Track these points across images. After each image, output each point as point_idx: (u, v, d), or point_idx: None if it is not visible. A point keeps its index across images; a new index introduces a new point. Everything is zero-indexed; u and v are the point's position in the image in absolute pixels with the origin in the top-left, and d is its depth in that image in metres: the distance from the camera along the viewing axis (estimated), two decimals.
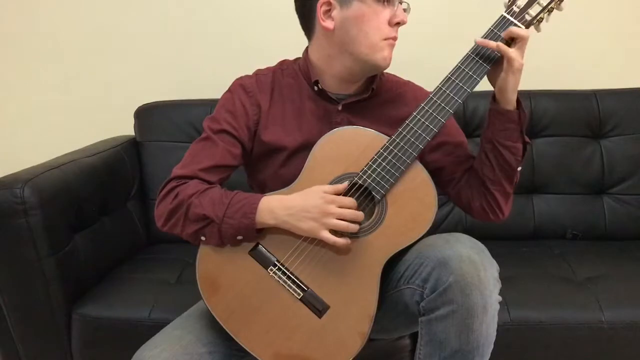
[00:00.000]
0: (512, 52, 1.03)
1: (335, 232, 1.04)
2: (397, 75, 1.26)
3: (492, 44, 1.05)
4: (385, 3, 1.09)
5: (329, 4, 1.09)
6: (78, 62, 2.01)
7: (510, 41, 1.06)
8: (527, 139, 1.12)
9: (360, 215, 1.05)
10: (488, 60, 1.06)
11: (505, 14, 1.08)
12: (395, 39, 1.12)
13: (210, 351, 1.08)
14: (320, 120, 1.17)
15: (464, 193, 1.19)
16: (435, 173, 1.19)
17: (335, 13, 1.09)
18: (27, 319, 1.39)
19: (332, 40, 1.12)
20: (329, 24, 1.10)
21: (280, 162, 1.17)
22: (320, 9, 1.10)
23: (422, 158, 1.18)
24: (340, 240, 1.03)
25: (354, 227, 1.04)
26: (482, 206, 1.17)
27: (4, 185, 1.32)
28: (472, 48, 1.08)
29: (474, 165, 1.17)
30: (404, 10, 1.11)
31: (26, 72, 2.03)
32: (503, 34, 1.06)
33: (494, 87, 1.11)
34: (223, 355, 1.10)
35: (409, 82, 1.26)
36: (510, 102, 1.09)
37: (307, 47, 1.20)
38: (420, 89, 1.25)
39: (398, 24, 1.11)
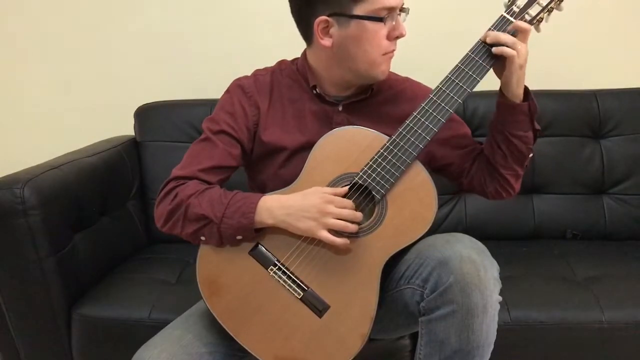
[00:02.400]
0: (514, 52, 1.03)
1: (334, 232, 1.04)
2: (398, 72, 1.25)
3: (498, 39, 1.04)
4: (385, 19, 1.07)
5: (327, 22, 1.08)
6: (78, 62, 2.01)
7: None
8: (537, 126, 1.13)
9: (359, 215, 1.05)
10: (488, 60, 1.06)
11: (505, 14, 1.08)
12: (393, 51, 1.12)
13: (211, 351, 1.08)
14: (320, 121, 1.17)
15: (477, 180, 1.21)
16: (446, 168, 1.21)
17: (333, 31, 1.08)
18: (27, 319, 1.39)
19: (330, 55, 1.12)
20: (326, 42, 1.09)
21: (280, 163, 1.17)
22: (318, 27, 1.09)
23: (432, 155, 1.19)
24: (339, 240, 1.03)
25: (353, 227, 1.04)
26: (496, 189, 1.19)
27: (4, 185, 1.32)
28: (472, 48, 1.08)
29: (484, 152, 1.18)
30: (403, 10, 1.10)
31: (26, 72, 2.03)
32: (510, 27, 1.06)
33: (501, 82, 1.11)
34: (223, 355, 1.10)
35: (407, 78, 1.26)
36: (517, 95, 1.09)
37: (305, 50, 1.20)
38: (419, 85, 1.25)
39: (397, 37, 1.10)
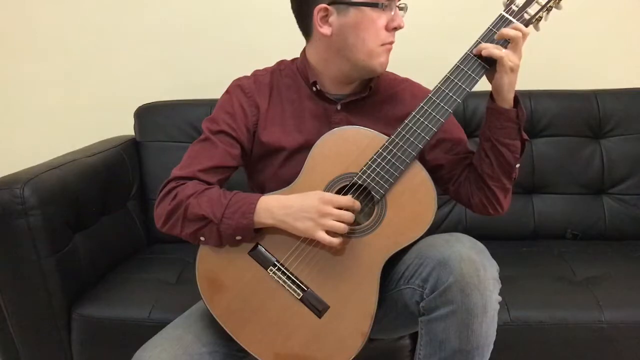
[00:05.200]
0: (502, 53, 1.03)
1: (333, 232, 1.04)
2: (397, 72, 1.26)
3: (486, 47, 1.04)
4: (383, 9, 1.08)
5: (326, 10, 1.09)
6: (78, 62, 2.01)
7: (506, 41, 1.05)
8: (525, 137, 1.12)
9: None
10: (487, 59, 1.06)
11: (504, 13, 1.07)
12: (392, 43, 1.12)
13: (211, 351, 1.08)
14: (319, 120, 1.17)
15: (464, 189, 1.19)
16: (435, 170, 1.20)
17: (332, 19, 1.09)
18: (27, 319, 1.39)
19: (329, 45, 1.12)
20: (326, 30, 1.10)
21: (279, 163, 1.17)
22: (317, 15, 1.10)
23: (422, 156, 1.18)
24: (335, 240, 1.03)
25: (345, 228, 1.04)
26: (482, 201, 1.17)
27: (4, 185, 1.32)
28: (471, 48, 1.08)
29: (472, 162, 1.18)
30: (401, 9, 1.11)
31: (26, 72, 2.03)
32: (496, 36, 1.06)
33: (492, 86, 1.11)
34: (223, 355, 1.10)
35: (406, 79, 1.26)
36: (506, 101, 1.09)
37: (305, 48, 1.20)
38: (419, 86, 1.25)
39: (395, 28, 1.11)
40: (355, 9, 1.07)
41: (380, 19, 1.08)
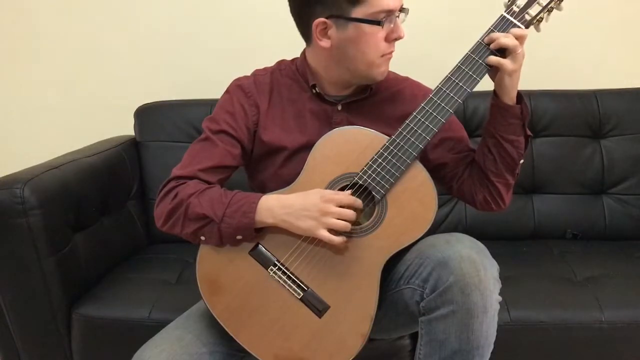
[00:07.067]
0: (504, 60, 1.03)
1: (334, 231, 1.04)
2: (397, 72, 1.25)
3: (504, 40, 1.04)
4: (383, 23, 1.06)
5: (325, 23, 1.08)
6: (78, 62, 2.01)
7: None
8: (529, 132, 1.13)
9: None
10: (487, 60, 1.06)
11: (505, 14, 1.07)
12: (392, 52, 1.12)
13: (211, 351, 1.08)
14: (320, 121, 1.18)
15: (467, 186, 1.20)
16: (439, 169, 1.20)
17: (331, 32, 1.08)
18: (27, 319, 1.39)
19: (329, 55, 1.12)
20: (325, 43, 1.10)
21: (280, 163, 1.17)
22: (316, 29, 1.09)
23: (425, 155, 1.18)
24: (337, 239, 1.03)
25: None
26: (486, 198, 1.18)
27: (4, 185, 1.32)
28: (472, 48, 1.08)
29: (475, 158, 1.18)
30: (402, 11, 1.10)
31: (26, 72, 2.03)
32: (492, 45, 1.05)
33: (494, 84, 1.11)
34: (223, 355, 1.10)
35: (407, 78, 1.26)
36: (510, 98, 1.09)
37: (305, 50, 1.20)
38: (419, 85, 1.25)
39: (395, 39, 1.10)
40: (354, 24, 1.06)
41: (380, 32, 1.07)
